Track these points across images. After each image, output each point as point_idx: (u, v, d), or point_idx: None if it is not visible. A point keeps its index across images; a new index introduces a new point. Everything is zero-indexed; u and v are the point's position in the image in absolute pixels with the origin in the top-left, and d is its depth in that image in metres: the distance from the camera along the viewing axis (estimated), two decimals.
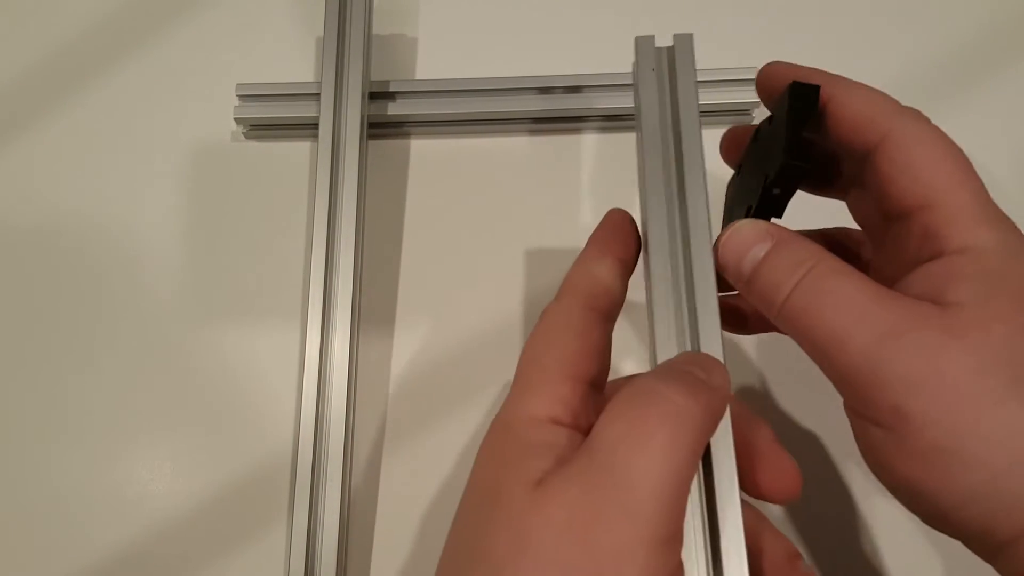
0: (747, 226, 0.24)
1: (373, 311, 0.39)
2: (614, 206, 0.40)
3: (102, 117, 0.43)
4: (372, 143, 0.41)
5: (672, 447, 0.19)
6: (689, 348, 0.23)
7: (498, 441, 0.22)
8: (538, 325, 0.24)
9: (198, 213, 0.41)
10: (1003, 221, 0.22)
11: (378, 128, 0.41)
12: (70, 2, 0.45)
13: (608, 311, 0.24)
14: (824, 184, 0.27)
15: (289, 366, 0.38)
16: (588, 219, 0.40)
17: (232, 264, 0.40)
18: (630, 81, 0.40)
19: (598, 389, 0.23)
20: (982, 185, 0.22)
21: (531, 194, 0.40)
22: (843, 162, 0.26)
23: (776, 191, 0.24)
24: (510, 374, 0.37)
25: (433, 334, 0.38)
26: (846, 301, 0.21)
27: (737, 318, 0.30)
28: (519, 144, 0.41)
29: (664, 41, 0.27)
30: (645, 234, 0.25)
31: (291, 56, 0.44)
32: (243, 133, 0.42)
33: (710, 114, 0.40)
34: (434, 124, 0.42)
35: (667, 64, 0.26)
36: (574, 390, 0.22)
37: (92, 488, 0.37)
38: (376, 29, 0.43)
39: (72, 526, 0.36)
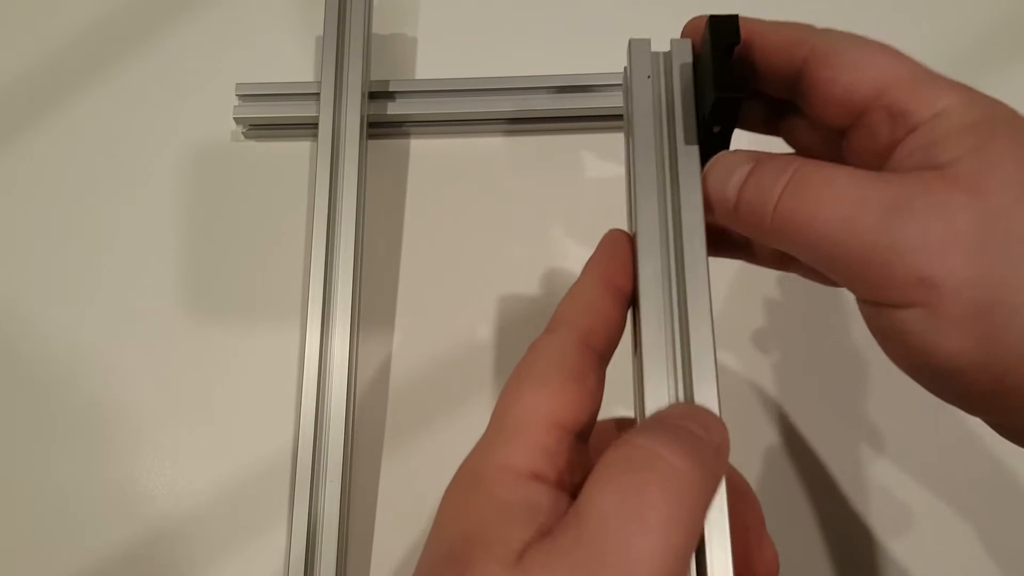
0: (727, 154, 0.23)
1: (373, 311, 0.39)
2: (613, 206, 0.40)
3: (102, 116, 0.43)
4: (372, 143, 0.41)
5: (673, 523, 0.17)
6: (681, 392, 0.21)
7: (468, 495, 0.20)
8: (525, 360, 0.21)
9: (198, 213, 0.41)
10: (950, 81, 0.22)
11: (378, 128, 0.41)
12: (70, 2, 0.45)
13: (605, 349, 0.22)
14: (755, 122, 0.27)
15: (289, 366, 0.38)
16: (588, 219, 0.40)
17: (232, 264, 0.40)
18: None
19: (585, 440, 0.21)
20: (914, 59, 0.22)
21: (531, 194, 0.40)
22: (769, 97, 0.26)
23: (716, 128, 0.23)
24: (509, 373, 0.37)
25: (433, 334, 0.38)
26: (842, 186, 0.20)
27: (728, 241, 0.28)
28: (519, 144, 0.41)
29: (661, 45, 0.25)
30: (634, 255, 0.23)
31: (291, 56, 0.44)
32: (243, 133, 0.42)
33: None
34: (434, 124, 0.41)
35: (664, 71, 0.25)
36: (560, 441, 0.19)
37: (92, 488, 0.37)
38: (376, 29, 0.43)
39: (72, 526, 0.36)
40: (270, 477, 0.37)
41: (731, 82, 0.22)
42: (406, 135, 0.42)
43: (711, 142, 0.24)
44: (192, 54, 0.44)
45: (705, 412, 0.20)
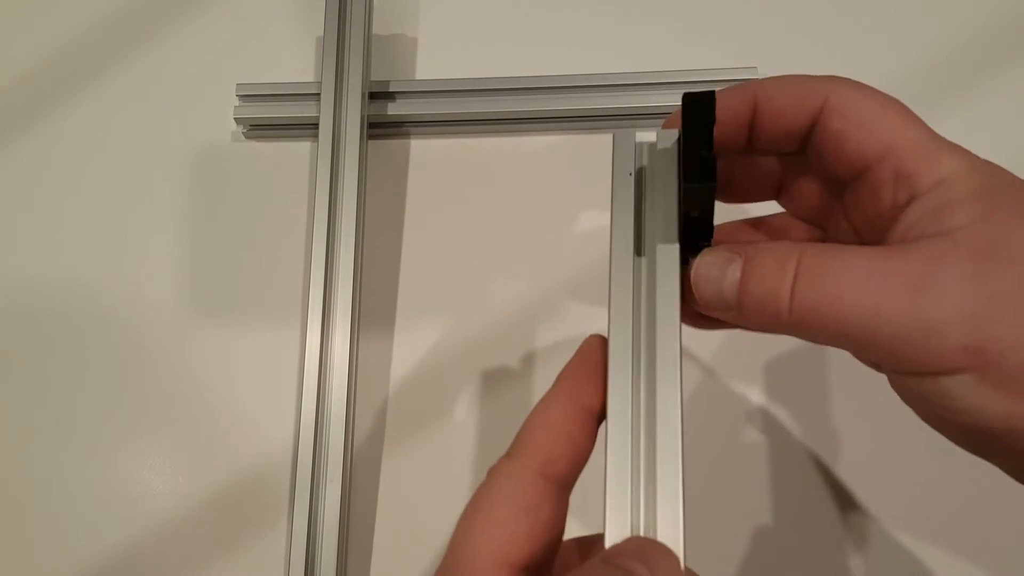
0: (706, 256, 0.22)
1: (373, 311, 0.39)
2: (613, 206, 0.40)
3: (102, 117, 0.43)
4: (372, 143, 0.41)
5: None
6: (642, 522, 0.20)
7: None
8: (480, 490, 0.20)
9: (198, 213, 0.41)
10: (955, 147, 0.22)
11: (378, 128, 0.41)
12: (70, 2, 0.45)
13: (567, 475, 0.21)
14: (752, 191, 0.26)
15: (289, 366, 0.38)
16: (588, 219, 0.40)
17: (232, 264, 0.40)
18: (630, 81, 0.40)
19: (547, 569, 0.20)
20: (925, 123, 0.22)
21: (531, 194, 0.40)
22: (767, 161, 0.26)
23: (694, 214, 0.22)
24: (509, 374, 0.37)
25: (433, 334, 0.38)
26: (859, 273, 0.20)
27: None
28: (519, 144, 0.41)
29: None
30: (606, 361, 0.22)
31: (291, 56, 0.44)
32: (243, 133, 0.42)
33: None
34: (434, 124, 0.42)
35: (648, 161, 0.24)
36: None
37: (93, 488, 0.37)
38: (376, 29, 0.43)
39: (73, 526, 0.36)
40: (270, 477, 0.37)
41: (703, 170, 0.21)
42: (406, 135, 0.42)
43: (692, 228, 0.23)
44: (192, 54, 0.44)
45: (657, 550, 0.19)
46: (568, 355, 0.36)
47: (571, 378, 0.22)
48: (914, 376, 0.20)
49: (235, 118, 0.41)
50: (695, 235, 0.23)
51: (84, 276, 0.40)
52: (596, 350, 0.22)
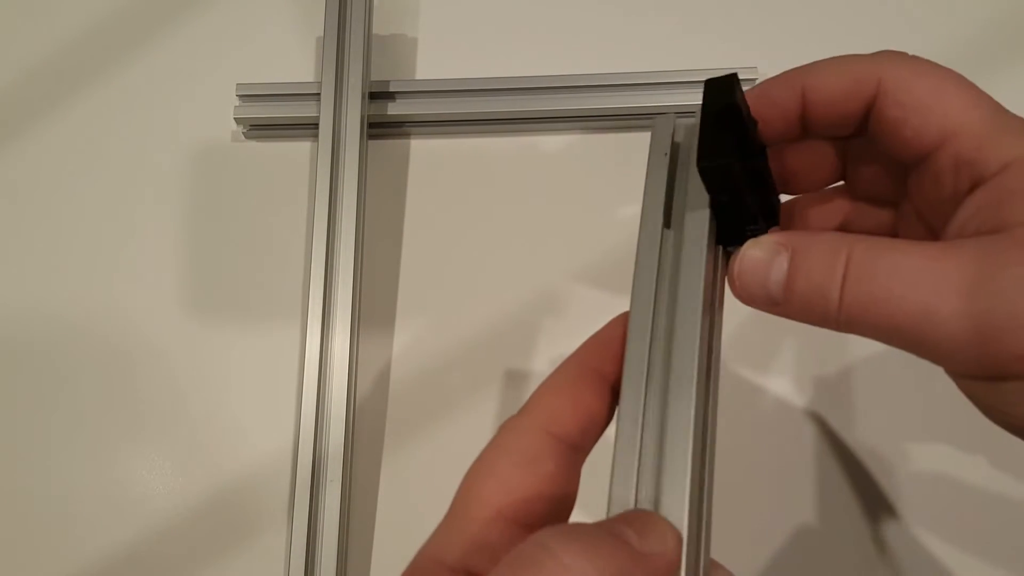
0: (750, 249, 0.21)
1: (373, 311, 0.39)
2: (614, 206, 0.40)
3: (102, 117, 0.43)
4: (372, 143, 0.41)
5: None
6: (646, 496, 0.19)
7: None
8: (489, 443, 0.20)
9: (198, 213, 0.41)
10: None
11: (378, 128, 0.41)
12: (70, 2, 0.45)
13: (576, 437, 0.20)
14: (815, 178, 0.25)
15: (289, 366, 0.38)
16: (588, 219, 0.40)
17: (232, 264, 0.40)
18: (630, 81, 0.40)
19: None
20: (993, 100, 0.21)
21: (531, 194, 0.40)
22: (825, 146, 0.25)
23: (723, 198, 0.21)
24: (509, 374, 0.37)
25: (433, 334, 0.38)
26: (910, 273, 0.19)
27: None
28: (519, 144, 0.41)
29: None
30: (625, 337, 0.21)
31: (291, 56, 0.44)
32: (243, 133, 0.42)
33: None
34: (434, 124, 0.41)
35: (683, 148, 0.23)
36: (504, 533, 0.18)
37: (93, 488, 0.37)
38: (376, 29, 0.43)
39: (73, 526, 0.36)
40: (271, 477, 0.37)
41: (717, 149, 0.20)
42: (406, 135, 0.42)
43: (727, 214, 0.22)
44: (192, 54, 0.44)
45: (648, 518, 0.19)
46: (567, 354, 0.36)
47: (588, 345, 0.21)
48: (972, 379, 0.20)
49: (235, 118, 0.41)
50: (735, 221, 0.22)
51: (84, 276, 0.40)
52: (619, 324, 0.22)
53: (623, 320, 0.22)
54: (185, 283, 0.40)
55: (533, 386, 0.38)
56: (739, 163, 0.20)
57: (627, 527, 0.18)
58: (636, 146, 0.41)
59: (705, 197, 0.21)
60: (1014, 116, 0.21)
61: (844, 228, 0.26)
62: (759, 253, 0.21)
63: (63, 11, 0.45)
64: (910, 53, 0.22)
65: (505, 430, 0.20)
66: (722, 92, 0.21)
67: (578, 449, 0.20)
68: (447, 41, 0.44)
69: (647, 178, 0.23)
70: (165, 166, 0.42)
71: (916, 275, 0.19)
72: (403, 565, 0.38)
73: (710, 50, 0.42)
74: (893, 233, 0.25)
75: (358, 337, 0.37)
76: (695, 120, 0.23)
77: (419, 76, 0.43)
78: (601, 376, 0.21)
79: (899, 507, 0.35)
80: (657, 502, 0.19)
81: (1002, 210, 0.19)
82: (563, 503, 0.20)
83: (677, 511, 0.18)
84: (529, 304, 0.38)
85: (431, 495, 0.36)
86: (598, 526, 0.18)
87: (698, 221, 0.21)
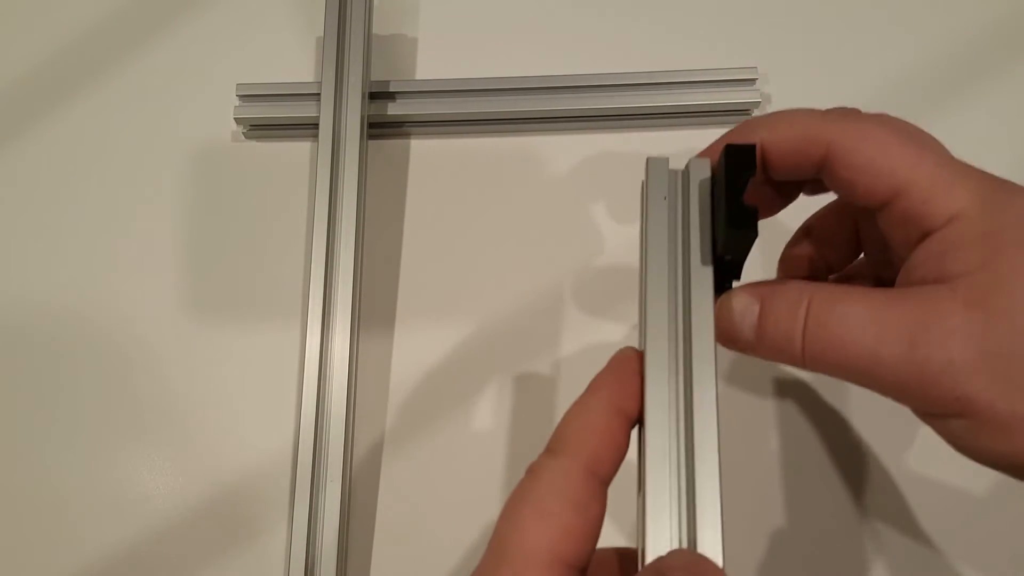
0: (732, 295, 0.23)
1: (373, 311, 0.39)
2: (613, 206, 0.40)
3: (102, 117, 0.43)
4: (372, 143, 0.41)
5: None
6: (684, 534, 0.20)
7: None
8: (525, 485, 0.20)
9: (198, 213, 0.41)
10: (971, 177, 0.22)
11: (378, 128, 0.41)
12: (70, 2, 0.45)
13: (609, 474, 0.21)
14: (774, 207, 0.27)
15: (289, 366, 0.38)
16: (589, 219, 0.40)
17: (232, 264, 0.40)
18: (631, 81, 0.40)
19: (583, 572, 0.20)
20: (940, 149, 0.22)
21: (531, 194, 0.40)
22: (792, 191, 0.26)
23: (728, 257, 0.23)
24: (509, 374, 0.37)
25: (433, 334, 0.38)
26: (859, 322, 0.21)
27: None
28: (519, 144, 0.41)
29: (677, 162, 0.25)
30: (643, 376, 0.22)
31: (291, 56, 0.44)
32: (243, 133, 0.42)
33: (710, 114, 0.40)
34: (434, 124, 0.41)
35: (681, 189, 0.24)
36: None
37: (93, 488, 0.37)
38: (376, 29, 0.43)
39: (73, 526, 0.36)
40: (270, 477, 0.37)
41: (747, 217, 0.22)
42: (406, 135, 0.42)
43: (722, 268, 0.24)
44: (192, 54, 0.44)
45: (707, 567, 0.19)
46: (567, 354, 0.36)
47: (609, 383, 0.22)
48: (922, 415, 0.22)
49: (235, 118, 0.41)
50: (724, 274, 0.24)
51: (82, 276, 0.40)
52: (632, 360, 0.22)
53: (633, 357, 0.22)
54: (185, 283, 0.40)
55: (533, 386, 0.38)
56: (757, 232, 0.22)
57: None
58: (637, 146, 0.41)
59: (707, 246, 0.23)
60: (961, 166, 0.22)
61: (813, 269, 0.28)
62: (736, 302, 0.23)
63: (62, 11, 0.45)
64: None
65: (548, 471, 0.20)
66: (744, 161, 0.22)
67: (608, 484, 0.21)
68: (447, 41, 0.44)
69: (646, 220, 0.24)
70: (165, 166, 0.42)
71: (864, 323, 0.21)
72: (403, 565, 0.38)
73: (710, 50, 0.42)
74: (854, 271, 0.27)
75: (358, 337, 0.37)
76: (693, 173, 0.24)
77: (419, 76, 0.43)
78: (623, 413, 0.21)
79: (899, 507, 0.35)
80: (695, 540, 0.20)
81: (944, 262, 0.21)
82: (598, 539, 0.21)
83: (713, 548, 0.20)
84: (529, 304, 0.38)
85: (431, 495, 0.36)
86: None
87: (705, 271, 0.23)
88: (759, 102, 0.40)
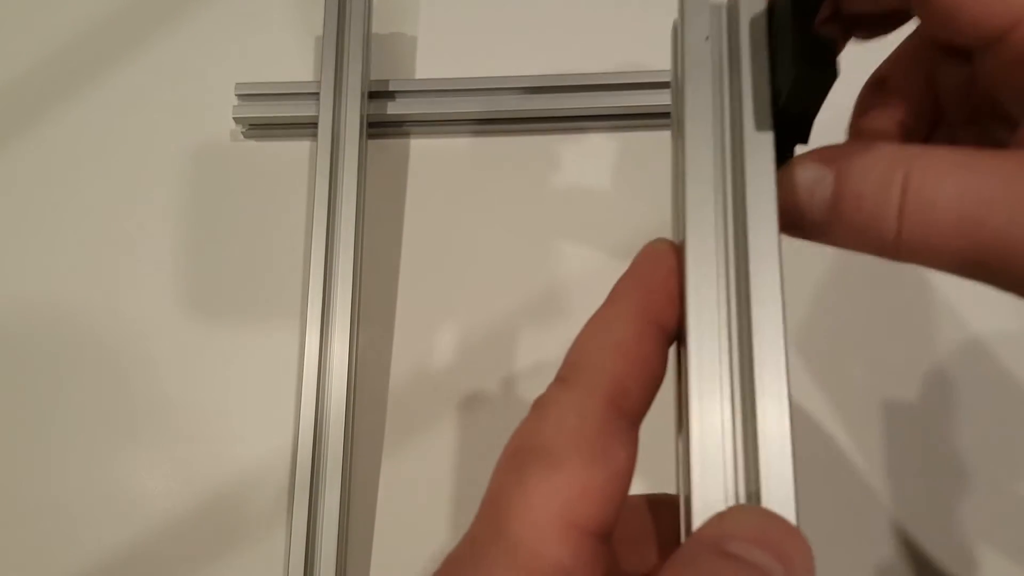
0: (794, 169, 0.18)
1: (372, 311, 0.39)
2: (613, 206, 0.40)
3: (101, 116, 0.43)
4: (371, 142, 0.41)
5: None
6: (742, 487, 0.15)
7: None
8: (529, 426, 0.15)
9: (197, 213, 0.41)
10: None
11: (377, 127, 0.41)
12: (70, 2, 0.45)
13: (639, 408, 0.16)
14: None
15: (289, 366, 0.38)
16: (589, 220, 0.40)
17: (231, 264, 0.40)
18: (632, 80, 0.40)
19: (606, 541, 0.15)
20: None
21: (531, 194, 0.40)
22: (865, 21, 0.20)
23: (794, 110, 0.17)
24: (509, 374, 0.37)
25: (433, 334, 0.38)
26: (984, 194, 0.16)
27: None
28: (519, 144, 0.41)
29: None
30: (682, 277, 0.17)
31: (290, 55, 0.43)
32: (242, 132, 0.42)
33: None
34: (434, 123, 0.41)
35: (727, 29, 0.18)
36: (578, 552, 0.14)
37: (92, 488, 0.37)
38: (376, 28, 0.43)
39: (72, 526, 0.36)
40: (270, 478, 0.37)
41: (819, 52, 0.16)
42: (406, 135, 0.42)
43: (787, 129, 0.18)
44: (192, 54, 0.44)
45: (789, 535, 0.14)
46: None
47: (638, 287, 0.16)
48: None
49: (234, 117, 0.41)
50: (788, 136, 0.18)
51: (82, 275, 0.40)
52: (666, 256, 0.17)
53: (667, 250, 0.17)
54: (184, 282, 0.40)
55: (532, 385, 0.38)
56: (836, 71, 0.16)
57: (770, 557, 0.13)
58: (637, 146, 0.41)
59: (764, 102, 0.18)
60: None
61: (865, 134, 0.22)
62: (802, 174, 0.17)
63: (61, 11, 0.45)
64: (862, 74, 0.19)
65: (559, 406, 0.15)
66: None
67: (639, 421, 0.16)
68: (447, 40, 0.44)
69: (683, 70, 0.18)
70: (164, 165, 0.42)
71: (991, 196, 0.16)
72: (403, 565, 0.38)
73: None
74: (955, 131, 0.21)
75: (357, 337, 0.37)
76: (743, 8, 0.18)
77: (419, 75, 0.43)
78: (659, 326, 0.16)
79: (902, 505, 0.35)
80: (757, 493, 0.15)
81: None
82: (626, 495, 0.15)
83: (784, 502, 0.15)
84: (529, 304, 0.38)
85: (431, 495, 0.36)
86: (739, 563, 0.13)
87: (763, 133, 0.17)
88: None
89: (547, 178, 0.41)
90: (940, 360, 0.36)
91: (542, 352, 0.38)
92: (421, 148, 0.42)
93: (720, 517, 0.14)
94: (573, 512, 0.14)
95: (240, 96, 0.41)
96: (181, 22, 0.45)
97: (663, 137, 0.41)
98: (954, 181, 0.16)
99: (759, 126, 0.17)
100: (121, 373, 0.38)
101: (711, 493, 0.15)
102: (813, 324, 0.37)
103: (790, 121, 0.18)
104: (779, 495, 0.14)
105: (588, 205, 0.40)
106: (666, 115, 0.40)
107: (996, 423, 0.35)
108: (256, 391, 0.38)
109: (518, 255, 0.39)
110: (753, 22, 0.18)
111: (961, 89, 0.20)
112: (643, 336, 0.16)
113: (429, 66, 0.43)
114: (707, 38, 0.18)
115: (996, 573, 0.33)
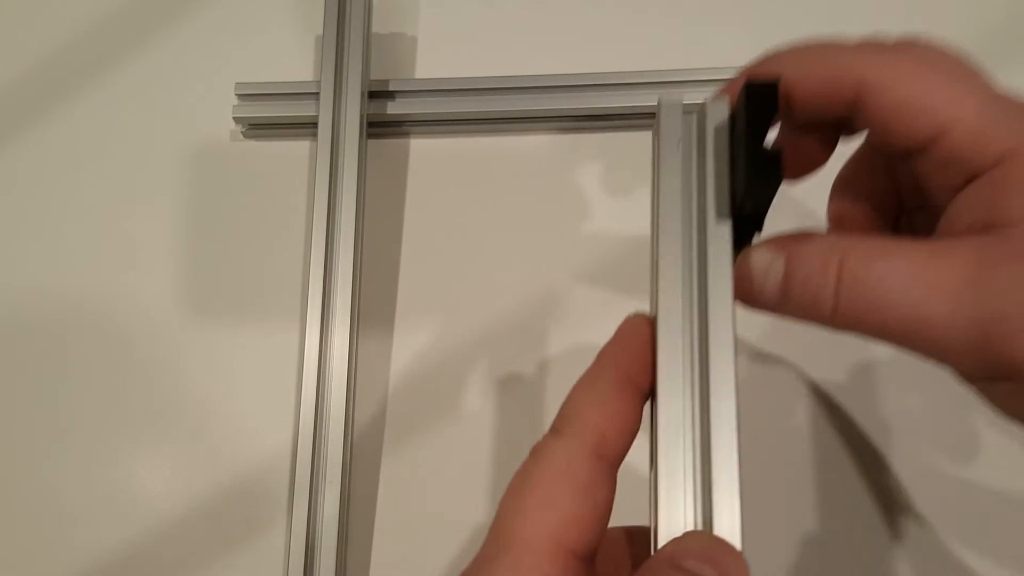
0: (753, 251, 0.21)
1: (372, 310, 0.39)
2: (613, 206, 0.40)
3: (101, 116, 0.43)
4: (371, 142, 0.41)
5: None
6: (700, 515, 0.19)
7: None
8: (528, 468, 0.19)
9: (197, 213, 0.41)
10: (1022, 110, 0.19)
11: (377, 127, 0.41)
12: (70, 2, 0.45)
13: (618, 456, 0.19)
14: (803, 165, 0.24)
15: (288, 366, 0.38)
16: (589, 220, 0.40)
17: (231, 264, 0.40)
18: (631, 80, 0.40)
19: (591, 562, 0.19)
20: (988, 82, 0.20)
21: (531, 194, 0.40)
22: (818, 134, 0.23)
23: (748, 210, 0.21)
24: (509, 374, 0.37)
25: (432, 333, 0.38)
26: (901, 279, 0.19)
27: None
28: (519, 143, 0.41)
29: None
30: (654, 345, 0.20)
31: (290, 55, 0.43)
32: (242, 132, 0.42)
33: None
34: (433, 123, 0.41)
35: (696, 133, 0.22)
36: (567, 569, 0.18)
37: (92, 488, 0.37)
38: (375, 28, 0.43)
39: (72, 526, 0.36)
40: (269, 477, 0.37)
41: (767, 164, 0.19)
42: (406, 135, 0.42)
43: (745, 221, 0.21)
44: (192, 54, 0.44)
45: (727, 553, 0.18)
46: (568, 354, 0.36)
47: (618, 354, 0.20)
48: (967, 378, 0.20)
49: (234, 117, 0.41)
50: (745, 228, 0.21)
51: (82, 276, 0.40)
52: (642, 328, 0.20)
53: (643, 323, 0.21)
54: (183, 282, 0.40)
55: (533, 385, 0.38)
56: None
57: (710, 567, 0.17)
58: (637, 146, 0.41)
59: (724, 197, 0.21)
60: (1011, 100, 0.20)
61: (840, 220, 0.25)
62: (758, 257, 0.21)
63: (63, 11, 0.45)
64: (895, 38, 0.21)
65: (553, 452, 0.19)
66: (766, 100, 0.20)
67: (618, 465, 0.20)
68: (447, 40, 0.44)
69: (658, 169, 0.22)
70: (164, 165, 0.42)
71: (907, 280, 0.19)
72: (403, 565, 0.38)
73: (711, 50, 0.42)
74: (887, 222, 0.25)
75: (357, 337, 0.37)
76: (710, 115, 0.22)
77: (418, 75, 0.43)
78: (635, 386, 0.20)
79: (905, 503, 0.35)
80: (711, 522, 0.18)
81: (998, 206, 0.19)
82: (606, 525, 0.19)
83: (731, 531, 0.18)
84: (529, 303, 0.38)
85: (431, 495, 0.36)
86: (684, 572, 0.17)
87: (722, 226, 0.21)
88: None
89: (547, 178, 0.41)
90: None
91: (542, 351, 0.38)
92: (421, 148, 0.42)
93: (677, 540, 0.18)
94: (563, 537, 0.18)
95: (240, 96, 0.41)
96: (181, 22, 0.45)
97: None
98: (878, 267, 0.19)
99: (719, 219, 0.21)
100: (121, 373, 0.38)
101: (673, 521, 0.19)
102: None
103: (746, 217, 0.21)
104: (728, 524, 0.18)
105: (588, 205, 0.40)
106: None
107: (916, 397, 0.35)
108: (256, 390, 0.38)
109: (518, 255, 0.39)
110: (717, 129, 0.21)
111: (910, 182, 0.23)
112: (622, 396, 0.19)
113: (429, 66, 0.43)
114: (679, 141, 0.22)
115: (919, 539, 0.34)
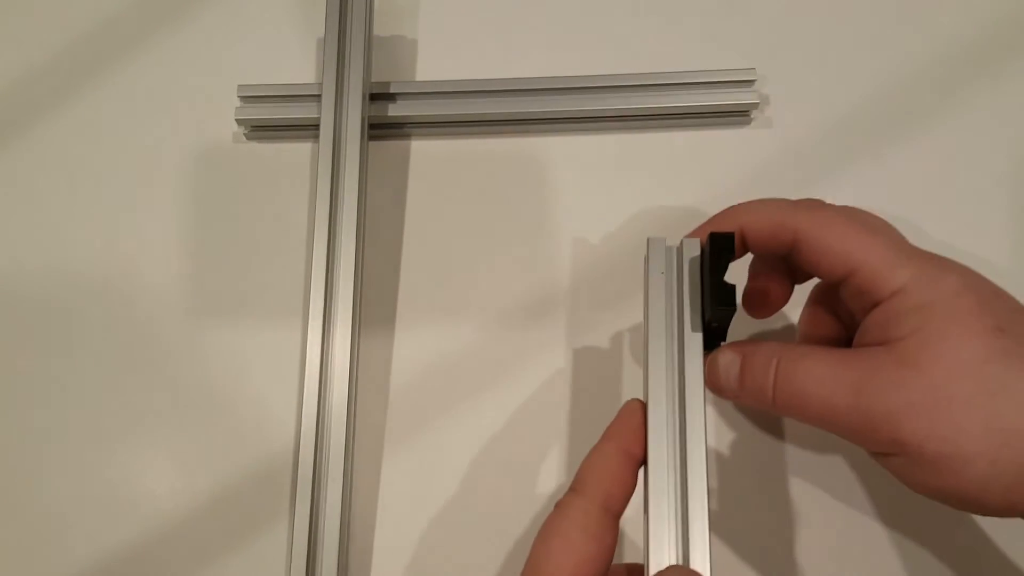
0: (720, 353, 0.29)
1: (374, 312, 0.39)
2: (613, 208, 0.40)
3: (102, 118, 0.43)
4: (373, 144, 0.41)
5: None
6: (679, 551, 0.25)
7: None
8: (553, 518, 0.25)
9: (199, 214, 0.41)
10: (914, 257, 0.26)
11: (379, 129, 0.41)
12: (70, 2, 0.45)
13: (620, 509, 0.26)
14: (775, 302, 0.32)
15: (290, 367, 0.38)
16: (589, 220, 0.40)
17: (233, 265, 0.40)
18: (631, 82, 0.40)
19: None
20: (892, 234, 0.27)
21: (531, 195, 0.40)
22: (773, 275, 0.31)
23: (714, 325, 0.28)
24: (509, 374, 0.38)
25: (433, 334, 0.38)
26: (817, 377, 0.26)
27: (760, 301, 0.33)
28: (519, 145, 0.41)
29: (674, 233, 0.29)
30: (646, 423, 0.27)
31: (292, 57, 0.44)
32: (244, 134, 0.42)
33: (708, 115, 0.41)
34: (435, 125, 0.42)
35: (676, 264, 0.29)
36: None
37: (92, 488, 0.37)
38: (377, 30, 0.43)
39: (72, 526, 0.37)
40: (271, 477, 0.37)
41: (727, 295, 0.26)
42: (407, 136, 0.42)
43: (711, 334, 0.28)
44: (193, 56, 0.44)
45: None
46: (567, 354, 0.36)
47: (622, 432, 0.27)
48: (870, 453, 0.26)
49: (236, 119, 0.41)
50: (713, 336, 0.29)
51: (85, 277, 0.40)
52: (638, 412, 0.27)
53: (638, 407, 0.27)
54: (186, 284, 0.40)
55: (532, 385, 0.38)
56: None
57: None
58: (637, 147, 0.41)
59: (697, 314, 0.28)
60: (907, 248, 0.27)
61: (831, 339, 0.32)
62: (722, 358, 0.29)
63: (63, 11, 0.45)
64: (826, 201, 0.28)
65: (572, 507, 0.25)
66: (725, 248, 0.27)
67: (620, 516, 0.26)
68: (448, 42, 0.44)
69: (647, 292, 0.29)
70: (166, 167, 0.42)
71: (821, 378, 0.26)
72: (403, 565, 0.38)
73: (709, 51, 0.43)
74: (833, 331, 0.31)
75: (359, 337, 0.37)
76: (686, 251, 0.29)
77: (420, 77, 0.43)
78: (633, 457, 0.26)
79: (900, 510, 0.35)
80: (688, 559, 0.25)
81: (887, 327, 0.26)
82: (611, 561, 0.25)
83: (702, 563, 0.25)
84: (529, 304, 0.39)
85: (432, 495, 0.36)
86: None
87: (696, 336, 0.28)
88: (757, 103, 0.40)
89: (547, 179, 0.41)
90: None
91: (542, 351, 0.38)
92: (422, 149, 0.42)
93: (662, 571, 0.25)
94: (579, 572, 0.24)
95: (242, 98, 0.41)
96: (183, 24, 0.45)
97: (663, 138, 0.41)
98: (801, 368, 0.27)
99: (694, 330, 0.28)
100: (122, 373, 0.39)
101: (660, 557, 0.25)
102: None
103: (714, 329, 0.28)
104: (700, 559, 0.25)
105: (588, 205, 0.40)
106: (666, 116, 0.41)
107: None
108: (258, 391, 0.38)
109: (518, 255, 0.39)
110: (691, 262, 0.29)
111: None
112: (624, 465, 0.26)
113: (430, 68, 0.43)
114: (662, 272, 0.29)
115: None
